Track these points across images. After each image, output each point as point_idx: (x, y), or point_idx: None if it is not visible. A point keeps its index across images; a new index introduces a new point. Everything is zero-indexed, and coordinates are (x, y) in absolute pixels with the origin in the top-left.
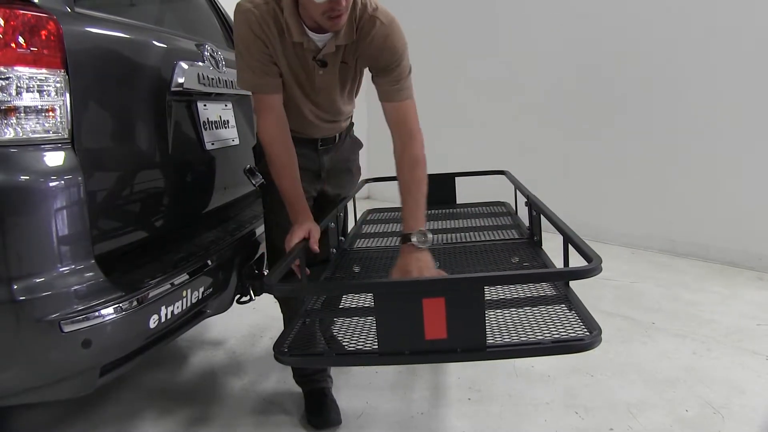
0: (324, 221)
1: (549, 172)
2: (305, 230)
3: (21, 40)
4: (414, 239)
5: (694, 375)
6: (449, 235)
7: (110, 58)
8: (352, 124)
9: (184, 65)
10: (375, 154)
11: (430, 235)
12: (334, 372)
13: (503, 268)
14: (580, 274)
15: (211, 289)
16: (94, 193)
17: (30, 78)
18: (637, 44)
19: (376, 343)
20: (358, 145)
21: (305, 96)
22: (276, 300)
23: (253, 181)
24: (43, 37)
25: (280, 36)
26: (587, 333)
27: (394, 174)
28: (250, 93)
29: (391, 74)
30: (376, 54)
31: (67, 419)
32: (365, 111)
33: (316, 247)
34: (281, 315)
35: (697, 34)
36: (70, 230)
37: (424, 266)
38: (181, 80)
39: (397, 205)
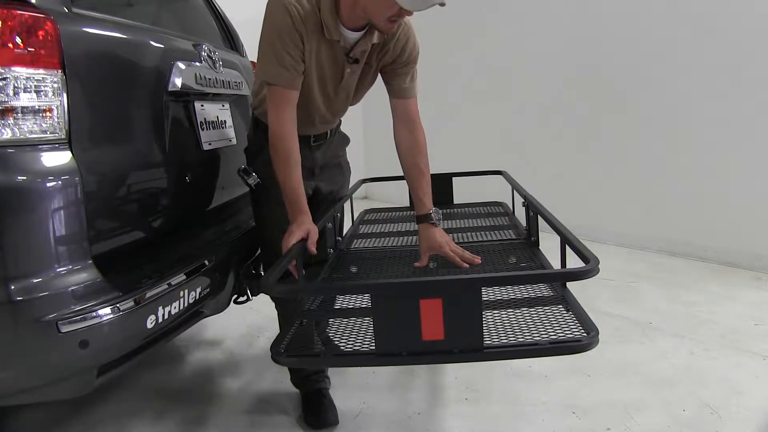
0: (321, 221)
1: (546, 172)
2: (304, 231)
3: (18, 40)
4: (433, 217)
5: (691, 375)
6: None
7: (107, 59)
8: (340, 121)
9: (182, 65)
10: (372, 155)
11: (440, 213)
12: (331, 372)
13: (500, 269)
14: (577, 275)
15: (208, 290)
16: (91, 193)
17: (27, 78)
18: (636, 43)
19: (374, 344)
20: (346, 140)
21: (324, 96)
22: (272, 300)
23: (249, 181)
24: (41, 37)
25: (317, 33)
26: (585, 334)
27: (391, 174)
28: (248, 94)
29: (408, 73)
30: (400, 52)
31: (65, 419)
32: (361, 113)
33: (314, 249)
34: None
35: (696, 33)
36: (68, 230)
37: (448, 240)
38: (178, 80)
39: (395, 205)
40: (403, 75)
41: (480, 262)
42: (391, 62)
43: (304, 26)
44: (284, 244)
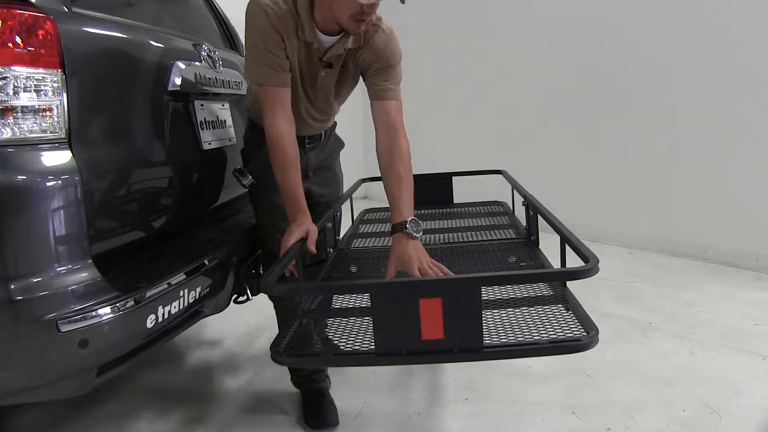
0: (321, 221)
1: (546, 171)
2: (303, 231)
3: (18, 39)
4: (409, 227)
5: (691, 375)
6: (446, 235)
7: (107, 58)
8: (335, 123)
9: (182, 65)
10: (372, 155)
11: (421, 224)
12: (331, 372)
13: (500, 268)
14: (577, 274)
15: (208, 289)
16: (91, 192)
17: (27, 78)
18: (636, 43)
19: (373, 344)
20: (340, 144)
21: (305, 94)
22: (270, 300)
23: (243, 182)
24: (41, 36)
25: (294, 33)
26: (584, 333)
27: None
28: (244, 93)
29: (386, 74)
30: (377, 56)
31: (65, 419)
32: (361, 112)
33: (313, 248)
34: None
35: (695, 34)
36: (67, 230)
37: (422, 255)
38: (178, 80)
39: None
40: (379, 76)
41: None
42: (370, 65)
43: (281, 23)
44: (284, 243)
